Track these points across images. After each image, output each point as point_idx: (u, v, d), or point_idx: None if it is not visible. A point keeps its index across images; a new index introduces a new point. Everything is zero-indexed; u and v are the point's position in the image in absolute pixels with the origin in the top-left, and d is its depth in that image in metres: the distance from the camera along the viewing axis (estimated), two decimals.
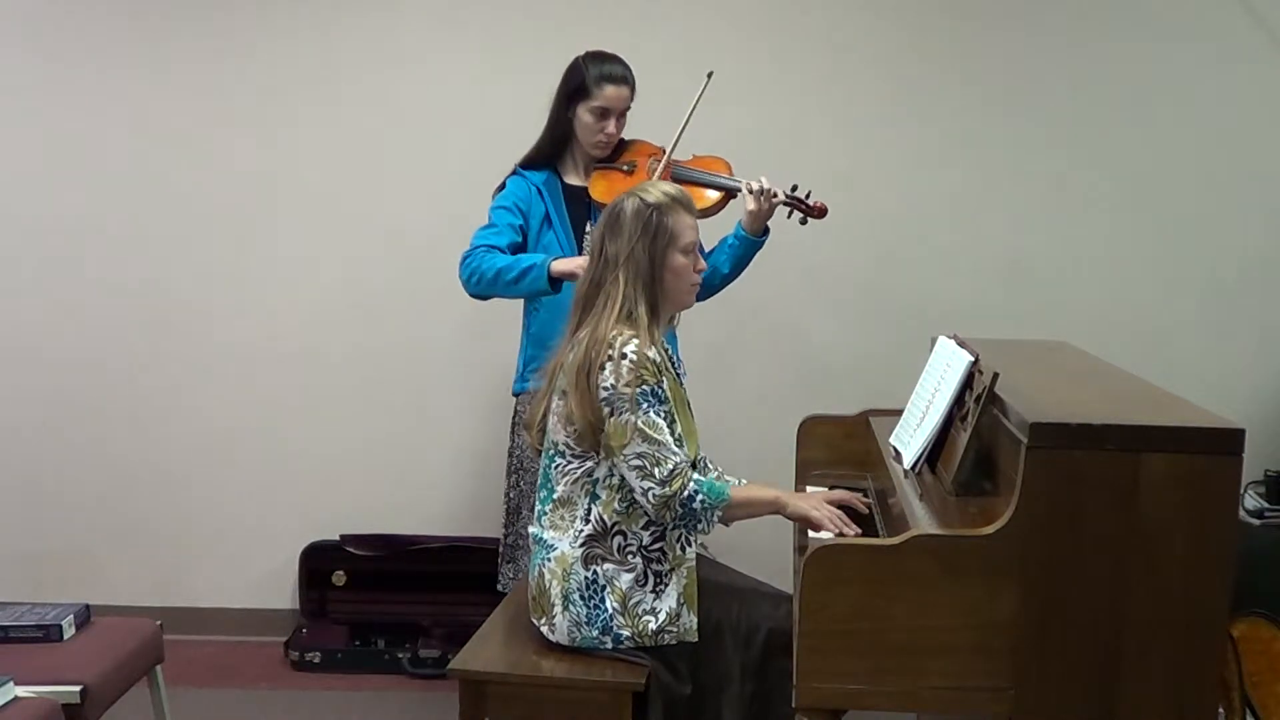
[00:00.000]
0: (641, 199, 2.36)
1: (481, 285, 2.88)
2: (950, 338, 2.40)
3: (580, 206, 3.00)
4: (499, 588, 3.11)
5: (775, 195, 2.86)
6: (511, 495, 3.10)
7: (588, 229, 2.98)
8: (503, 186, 3.02)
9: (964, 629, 1.87)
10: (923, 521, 2.02)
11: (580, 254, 2.93)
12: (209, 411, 3.80)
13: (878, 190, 3.68)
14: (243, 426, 3.80)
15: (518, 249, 2.95)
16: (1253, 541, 3.08)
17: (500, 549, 3.12)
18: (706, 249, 3.00)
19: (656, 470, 2.26)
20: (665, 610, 2.32)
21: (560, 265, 2.79)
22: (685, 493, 2.27)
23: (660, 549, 2.34)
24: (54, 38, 3.67)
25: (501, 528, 3.11)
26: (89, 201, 3.72)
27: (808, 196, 2.90)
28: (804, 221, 2.92)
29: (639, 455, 2.26)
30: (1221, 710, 2.46)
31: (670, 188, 2.42)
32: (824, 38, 3.65)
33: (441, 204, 3.64)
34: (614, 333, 2.28)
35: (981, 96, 3.66)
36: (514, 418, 3.11)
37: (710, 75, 2.90)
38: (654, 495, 2.26)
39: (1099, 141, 3.65)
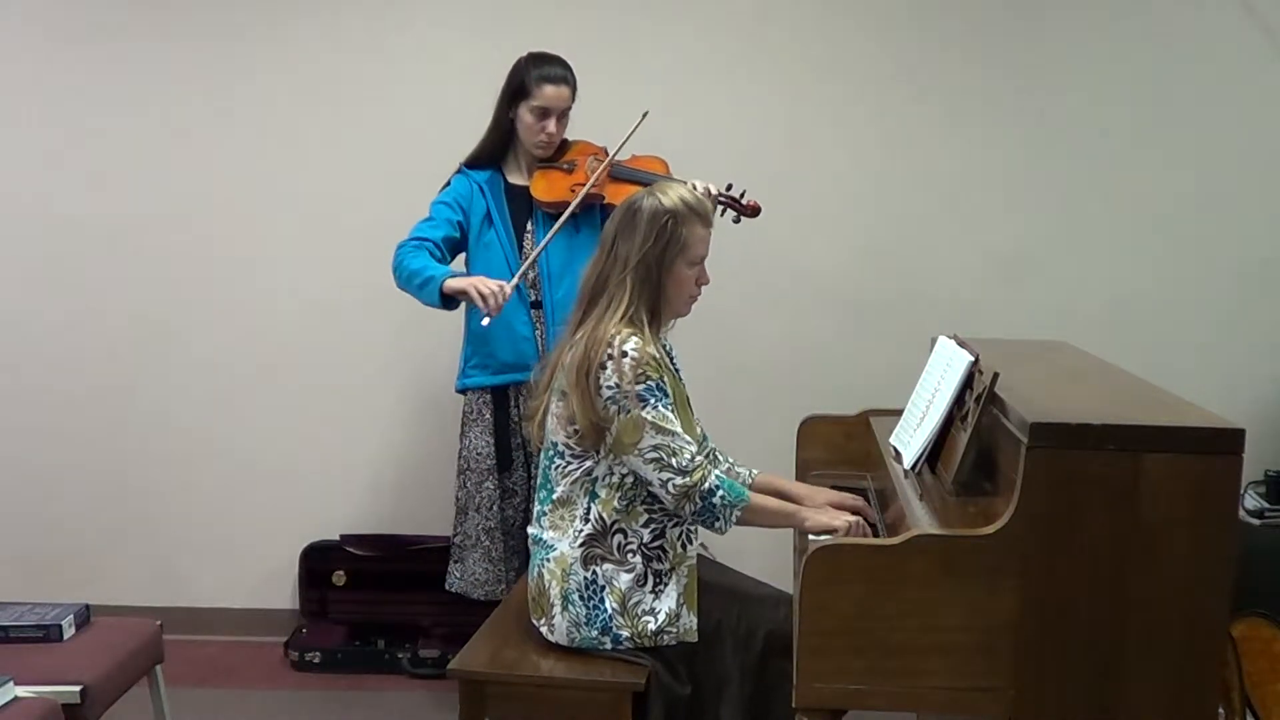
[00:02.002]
0: (660, 201, 2.34)
1: (399, 280, 2.98)
2: (950, 338, 2.40)
3: (522, 206, 3.05)
4: (446, 586, 3.14)
5: (709, 194, 2.89)
6: (459, 495, 3.13)
7: (528, 228, 3.04)
8: (448, 184, 3.07)
9: (964, 629, 1.87)
10: (923, 521, 2.02)
11: (520, 253, 2.99)
12: (209, 411, 3.79)
13: (877, 190, 3.68)
14: (243, 426, 3.80)
15: (454, 243, 3.02)
16: (1253, 541, 3.07)
17: (449, 548, 3.17)
18: None
19: (674, 460, 2.26)
20: (665, 610, 2.32)
21: (453, 283, 2.85)
22: (706, 484, 2.27)
23: (660, 546, 2.34)
24: (50, 37, 3.67)
25: (452, 527, 3.17)
26: (90, 203, 3.72)
27: (742, 196, 2.96)
28: (737, 220, 2.98)
29: (655, 448, 2.26)
30: (1221, 710, 2.46)
31: (689, 194, 2.39)
32: (820, 34, 3.65)
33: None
34: (612, 331, 2.28)
35: (982, 96, 3.65)
36: (462, 418, 3.13)
37: (645, 114, 2.93)
38: (674, 485, 2.26)
39: (1099, 141, 3.64)
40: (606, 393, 2.26)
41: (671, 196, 2.35)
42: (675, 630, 2.33)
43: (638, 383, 2.25)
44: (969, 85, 3.65)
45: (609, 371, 2.26)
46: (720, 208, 2.94)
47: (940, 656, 1.88)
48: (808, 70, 3.66)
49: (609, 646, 2.32)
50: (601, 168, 2.97)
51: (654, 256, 2.32)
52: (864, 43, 3.66)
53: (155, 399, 3.79)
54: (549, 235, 2.91)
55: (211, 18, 3.65)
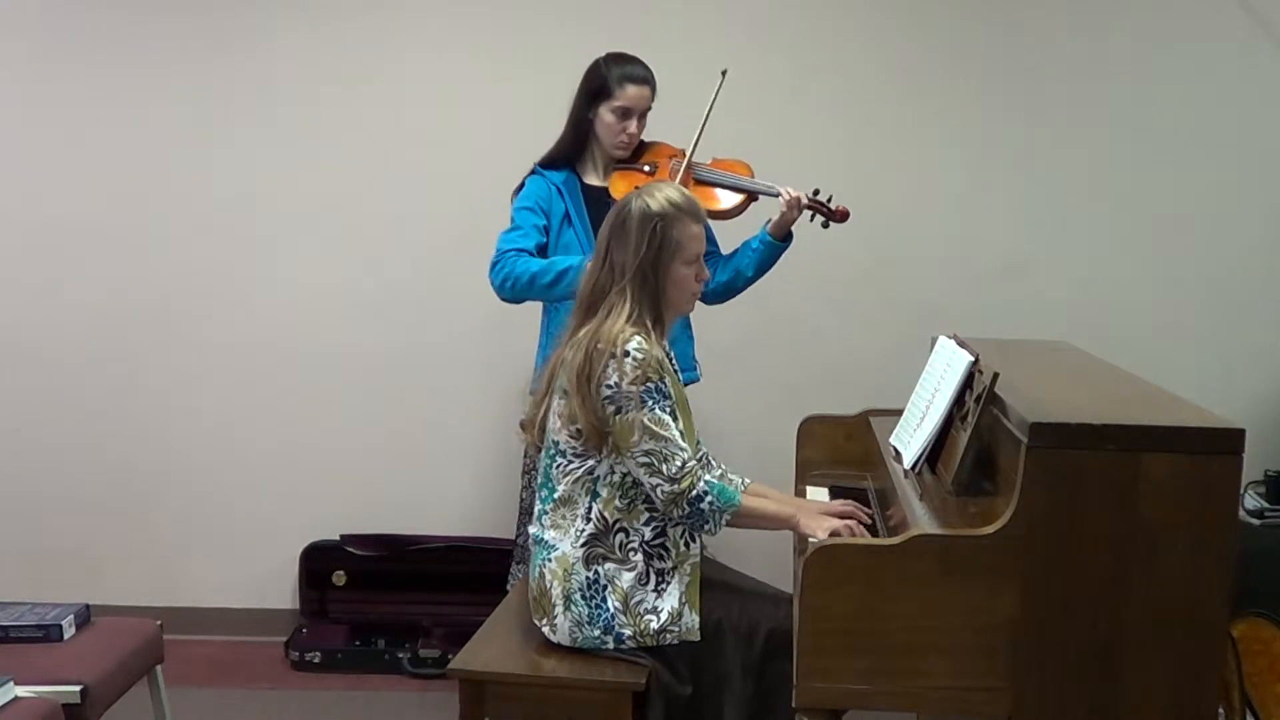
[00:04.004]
0: (647, 204, 2.33)
1: (517, 290, 2.88)
2: (950, 338, 2.40)
3: (600, 207, 3.00)
4: (508, 587, 3.12)
5: (802, 200, 2.88)
6: (524, 496, 3.11)
7: None
8: (521, 187, 3.02)
9: (964, 629, 1.87)
10: (923, 521, 2.03)
11: None
12: (209, 411, 3.80)
13: (878, 190, 3.67)
14: (243, 426, 3.80)
15: (544, 249, 2.96)
16: (1253, 541, 3.07)
17: (514, 549, 3.15)
18: (725, 252, 3.03)
19: (665, 467, 2.26)
20: (667, 609, 2.31)
21: None
22: (695, 491, 2.27)
23: (662, 544, 2.34)
24: (50, 36, 3.67)
25: (515, 528, 3.14)
26: (89, 201, 3.72)
27: (829, 200, 2.93)
28: (825, 225, 2.96)
29: (646, 453, 2.26)
30: (1221, 710, 2.46)
31: (676, 194, 2.38)
32: (823, 35, 3.65)
33: (446, 203, 3.65)
34: (616, 330, 2.28)
35: (982, 96, 3.66)
36: None
37: (725, 73, 2.90)
38: (663, 492, 2.27)
39: (1099, 141, 3.65)
40: (606, 392, 2.26)
41: (658, 199, 2.34)
42: (678, 629, 2.32)
43: (637, 383, 2.25)
44: (969, 84, 3.65)
45: (610, 371, 2.25)
46: (809, 213, 2.93)
47: (940, 656, 1.88)
48: (807, 69, 3.66)
49: (611, 646, 2.32)
50: (683, 168, 2.94)
51: (649, 262, 2.32)
52: (863, 42, 3.66)
53: (155, 399, 3.79)
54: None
55: (219, 13, 3.66)
